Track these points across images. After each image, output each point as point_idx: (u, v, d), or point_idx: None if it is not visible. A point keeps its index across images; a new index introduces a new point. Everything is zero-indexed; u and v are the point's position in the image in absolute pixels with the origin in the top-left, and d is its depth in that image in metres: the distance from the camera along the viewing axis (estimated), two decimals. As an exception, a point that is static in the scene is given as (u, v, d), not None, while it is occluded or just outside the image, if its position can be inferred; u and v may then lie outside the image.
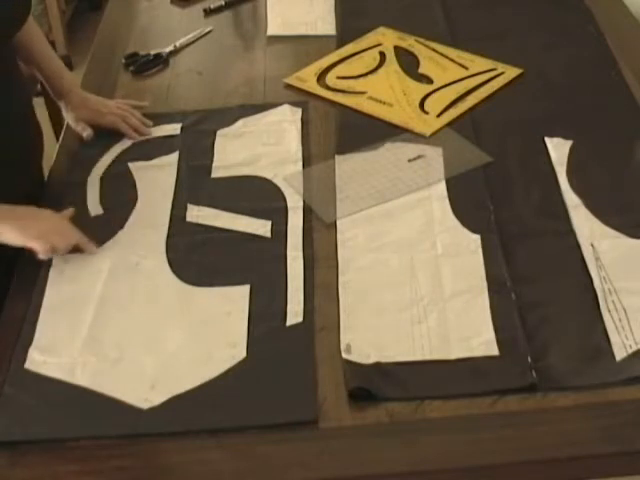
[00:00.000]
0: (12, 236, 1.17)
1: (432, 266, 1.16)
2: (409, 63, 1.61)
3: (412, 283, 1.14)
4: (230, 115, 1.49)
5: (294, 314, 1.11)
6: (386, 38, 1.69)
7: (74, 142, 1.45)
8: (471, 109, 1.47)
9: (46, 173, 1.42)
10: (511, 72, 1.56)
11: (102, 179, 1.37)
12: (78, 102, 1.45)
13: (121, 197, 1.33)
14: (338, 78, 1.58)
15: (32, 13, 1.37)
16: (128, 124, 1.45)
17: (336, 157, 1.38)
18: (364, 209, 1.27)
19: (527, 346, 1.04)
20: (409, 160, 1.36)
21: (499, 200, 1.27)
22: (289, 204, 1.29)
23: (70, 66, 3.03)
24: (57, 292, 1.17)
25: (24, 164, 1.34)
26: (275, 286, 1.15)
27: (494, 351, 1.04)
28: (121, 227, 1.26)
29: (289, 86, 1.58)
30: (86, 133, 1.44)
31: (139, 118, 1.48)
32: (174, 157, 1.40)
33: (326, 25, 1.77)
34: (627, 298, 1.09)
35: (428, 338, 1.06)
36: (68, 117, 1.47)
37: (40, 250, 1.17)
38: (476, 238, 1.20)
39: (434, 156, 1.36)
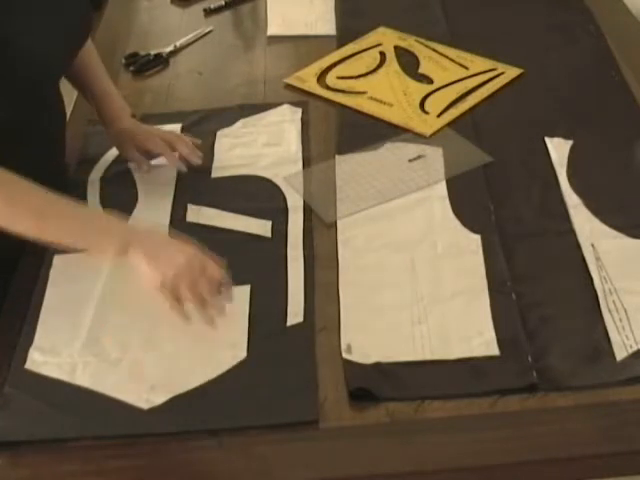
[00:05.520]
0: (137, 262, 1.04)
1: (432, 266, 1.16)
2: (409, 63, 1.61)
3: (412, 283, 1.14)
4: (230, 115, 1.49)
5: (294, 314, 1.11)
6: (386, 38, 1.69)
7: (74, 142, 1.45)
8: (471, 109, 1.47)
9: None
10: (511, 72, 1.56)
11: (102, 179, 1.37)
12: (128, 125, 1.35)
13: (121, 197, 1.32)
14: (338, 78, 1.58)
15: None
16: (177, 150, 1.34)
17: (336, 157, 1.38)
18: (364, 209, 1.27)
19: (527, 346, 1.04)
20: (409, 160, 1.36)
21: (499, 200, 1.27)
22: (289, 204, 1.29)
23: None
24: (57, 292, 1.17)
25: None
26: (275, 286, 1.15)
27: (494, 351, 1.04)
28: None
29: (289, 86, 1.58)
30: (146, 167, 1.35)
31: (190, 148, 1.35)
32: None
33: (326, 25, 1.77)
34: (627, 298, 1.09)
35: (428, 338, 1.06)
36: (117, 148, 1.38)
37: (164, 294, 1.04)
38: (476, 238, 1.20)
39: (434, 156, 1.36)
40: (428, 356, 1.04)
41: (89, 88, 1.36)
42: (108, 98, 1.36)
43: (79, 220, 1.08)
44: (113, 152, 1.41)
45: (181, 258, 1.05)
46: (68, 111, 1.52)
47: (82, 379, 1.05)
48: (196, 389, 1.02)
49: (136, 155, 1.36)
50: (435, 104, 1.49)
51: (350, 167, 1.35)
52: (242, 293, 1.14)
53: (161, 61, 1.68)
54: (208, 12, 1.85)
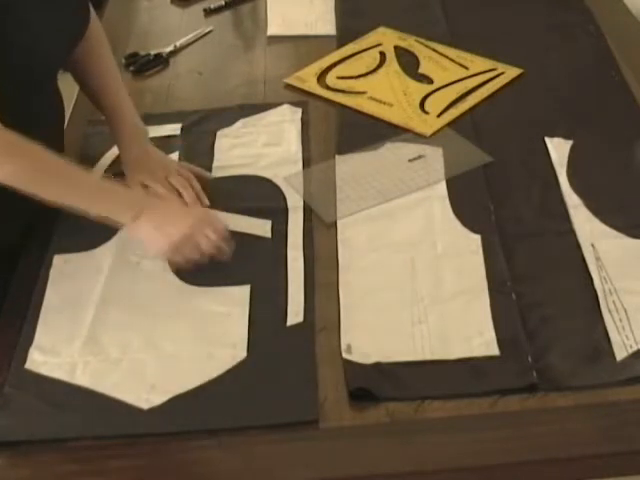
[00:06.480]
0: (144, 232, 1.15)
1: (432, 266, 1.16)
2: (409, 63, 1.61)
3: (412, 283, 1.14)
4: (230, 115, 1.49)
5: (294, 314, 1.11)
6: (386, 38, 1.69)
7: (74, 142, 1.45)
8: (471, 109, 1.47)
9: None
10: (511, 72, 1.56)
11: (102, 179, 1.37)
12: (138, 155, 1.30)
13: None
14: (338, 78, 1.58)
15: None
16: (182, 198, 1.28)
17: (336, 157, 1.38)
18: (364, 209, 1.27)
19: (527, 346, 1.04)
20: (409, 160, 1.36)
21: (499, 200, 1.27)
22: (289, 204, 1.29)
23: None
24: (57, 292, 1.17)
25: None
26: (275, 286, 1.15)
27: (494, 351, 1.04)
28: (121, 227, 1.26)
29: (289, 86, 1.58)
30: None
31: (197, 191, 1.29)
32: (174, 157, 1.40)
33: (326, 25, 1.77)
34: (627, 298, 1.09)
35: (428, 338, 1.06)
36: (125, 172, 1.31)
37: (169, 262, 1.17)
38: (476, 238, 1.20)
39: (434, 156, 1.36)
40: (428, 356, 1.04)
41: (99, 102, 1.34)
42: (118, 119, 1.32)
43: (102, 192, 1.17)
44: (113, 152, 1.41)
45: (185, 224, 1.15)
46: (68, 111, 1.52)
47: (82, 379, 1.05)
48: (196, 389, 1.02)
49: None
50: (435, 104, 1.49)
51: (350, 167, 1.35)
52: (242, 293, 1.14)
53: (161, 61, 1.68)
54: (208, 12, 1.85)
